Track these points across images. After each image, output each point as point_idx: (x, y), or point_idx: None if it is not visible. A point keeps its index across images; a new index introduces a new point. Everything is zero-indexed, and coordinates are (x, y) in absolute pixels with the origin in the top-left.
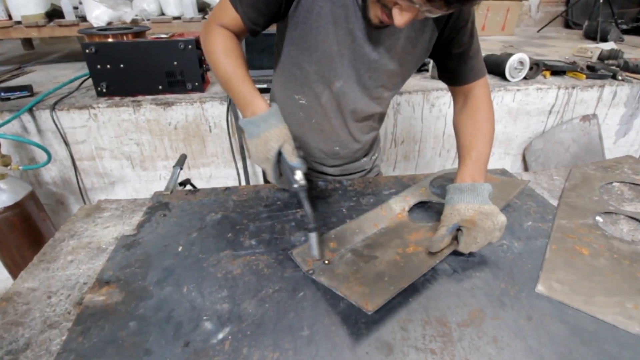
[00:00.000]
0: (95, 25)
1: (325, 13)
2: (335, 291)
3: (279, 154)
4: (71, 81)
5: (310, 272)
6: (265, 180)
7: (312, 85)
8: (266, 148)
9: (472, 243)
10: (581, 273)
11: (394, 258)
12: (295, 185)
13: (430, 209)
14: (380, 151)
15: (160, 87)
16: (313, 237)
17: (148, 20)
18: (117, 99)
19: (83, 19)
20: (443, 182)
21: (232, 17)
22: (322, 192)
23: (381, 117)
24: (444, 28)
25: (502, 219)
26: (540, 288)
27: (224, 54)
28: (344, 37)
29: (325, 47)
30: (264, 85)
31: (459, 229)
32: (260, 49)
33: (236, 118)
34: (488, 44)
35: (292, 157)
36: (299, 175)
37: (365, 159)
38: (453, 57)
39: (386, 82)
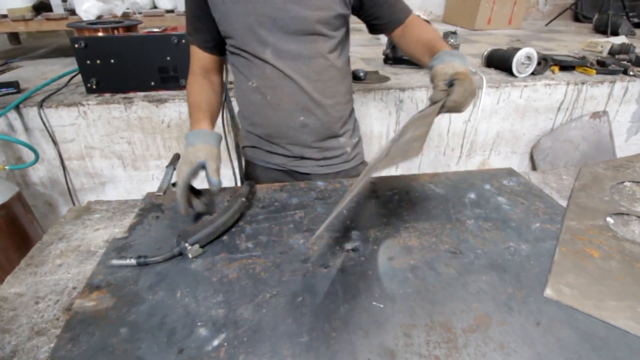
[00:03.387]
0: (84, 19)
1: None
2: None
3: (202, 167)
4: (60, 77)
5: None
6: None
7: (251, 66)
8: (195, 155)
9: (464, 92)
10: (591, 276)
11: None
12: (197, 208)
13: None
14: (361, 140)
15: (152, 83)
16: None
17: (140, 13)
18: (107, 95)
19: (72, 12)
20: None
21: (195, 52)
22: (322, 193)
23: (336, 78)
24: None
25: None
26: (548, 292)
27: (188, 94)
28: None
29: (236, 21)
30: None
31: (450, 85)
32: None
33: (232, 116)
34: (494, 37)
35: (214, 174)
36: (202, 200)
37: (343, 138)
38: (380, 5)
39: (308, 28)
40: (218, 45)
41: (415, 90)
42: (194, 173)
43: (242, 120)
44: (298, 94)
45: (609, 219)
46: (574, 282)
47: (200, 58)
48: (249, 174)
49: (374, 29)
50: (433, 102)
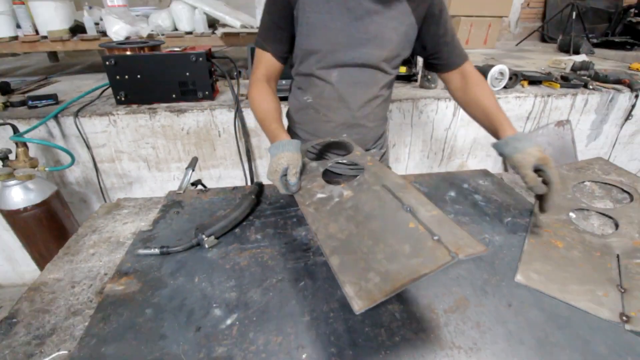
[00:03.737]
0: (114, 39)
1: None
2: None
3: (286, 170)
4: (93, 90)
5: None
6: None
7: (315, 83)
8: (277, 164)
9: (556, 174)
10: (556, 264)
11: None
12: (285, 191)
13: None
14: (388, 150)
15: (173, 95)
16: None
17: (163, 35)
18: (134, 106)
19: (103, 34)
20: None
21: (265, 59)
22: None
23: (381, 106)
24: (422, 23)
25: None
26: (519, 278)
27: (258, 103)
28: (344, 20)
29: (314, 41)
30: None
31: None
32: None
33: (243, 124)
34: (471, 56)
35: (291, 176)
36: (290, 189)
37: (373, 149)
38: (439, 45)
39: (377, 60)
40: (287, 56)
41: (402, 102)
42: (284, 180)
43: (291, 119)
44: (348, 116)
45: (571, 214)
46: (541, 269)
47: (269, 65)
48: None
49: (430, 65)
50: (538, 194)
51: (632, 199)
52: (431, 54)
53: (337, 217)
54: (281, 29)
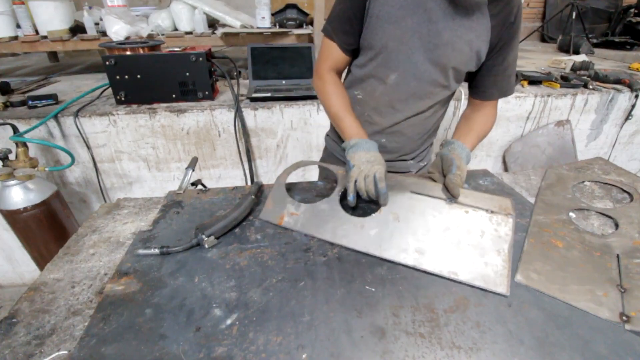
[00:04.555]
0: (114, 39)
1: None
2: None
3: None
4: (93, 90)
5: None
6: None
7: (370, 81)
8: (372, 167)
9: (459, 177)
10: (556, 264)
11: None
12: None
13: None
14: (429, 162)
15: (173, 95)
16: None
17: (162, 35)
18: (134, 106)
19: (103, 34)
20: None
21: (332, 50)
22: (321, 192)
23: (430, 120)
24: (496, 40)
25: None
26: (519, 277)
27: (329, 96)
28: (417, 19)
29: (381, 39)
30: (268, 94)
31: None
32: (265, 60)
33: (243, 124)
34: None
35: (382, 183)
36: (383, 199)
37: (411, 161)
38: (489, 74)
39: (443, 70)
40: (356, 49)
41: None
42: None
43: None
44: (392, 122)
45: (571, 214)
46: (541, 268)
47: (336, 57)
48: (324, 159)
49: (469, 84)
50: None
51: (632, 199)
52: (477, 76)
53: None
54: (351, 20)
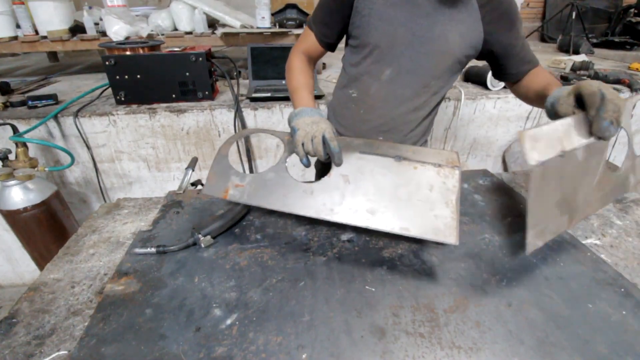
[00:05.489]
0: (114, 39)
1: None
2: None
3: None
4: (92, 90)
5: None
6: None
7: (364, 78)
8: (316, 128)
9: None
10: (561, 194)
11: None
12: (323, 159)
13: None
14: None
15: (173, 95)
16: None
17: (162, 35)
18: (134, 106)
19: (103, 34)
20: None
21: (309, 38)
22: None
23: (427, 115)
24: (492, 32)
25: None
26: (530, 245)
27: (293, 72)
28: (408, 15)
29: (374, 35)
30: (268, 94)
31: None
32: (265, 60)
33: (243, 124)
34: None
35: (333, 142)
36: (336, 159)
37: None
38: (508, 57)
39: (437, 63)
40: (331, 44)
41: None
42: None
43: (332, 111)
44: (388, 118)
45: None
46: (549, 214)
47: (310, 44)
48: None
49: (497, 74)
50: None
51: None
52: (500, 64)
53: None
54: (332, 13)
